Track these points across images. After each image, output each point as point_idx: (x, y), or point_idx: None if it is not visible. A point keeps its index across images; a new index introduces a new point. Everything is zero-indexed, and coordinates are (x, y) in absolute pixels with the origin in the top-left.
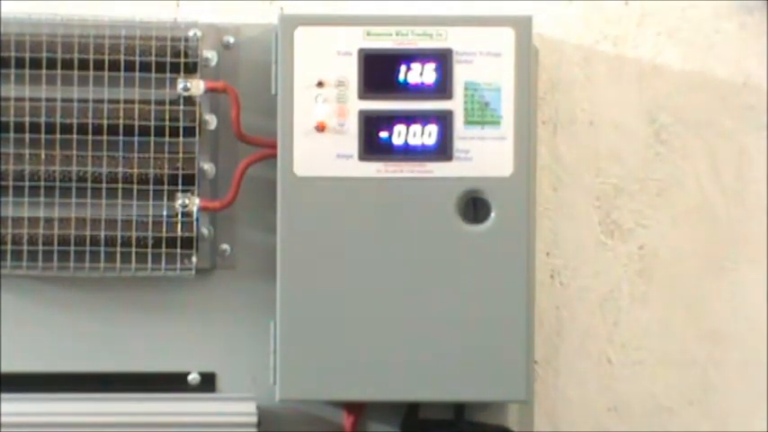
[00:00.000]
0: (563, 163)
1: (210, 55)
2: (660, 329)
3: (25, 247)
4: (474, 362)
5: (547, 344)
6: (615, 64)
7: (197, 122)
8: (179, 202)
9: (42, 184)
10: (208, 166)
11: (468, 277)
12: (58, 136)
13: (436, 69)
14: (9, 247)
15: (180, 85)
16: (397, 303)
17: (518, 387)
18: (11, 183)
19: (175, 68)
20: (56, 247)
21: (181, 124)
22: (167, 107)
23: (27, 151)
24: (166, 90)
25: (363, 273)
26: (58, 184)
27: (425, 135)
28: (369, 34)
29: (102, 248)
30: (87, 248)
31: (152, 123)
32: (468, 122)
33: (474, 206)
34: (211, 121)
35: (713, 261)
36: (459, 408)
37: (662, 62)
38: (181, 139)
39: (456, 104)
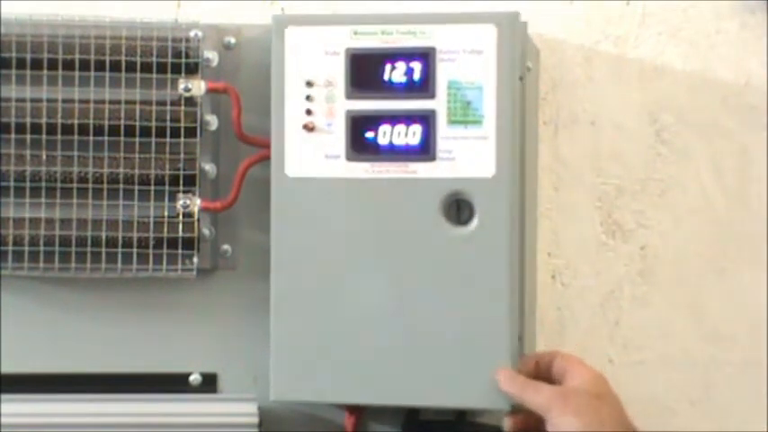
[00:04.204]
0: (564, 163)
1: (212, 55)
2: (661, 330)
3: (26, 248)
4: (459, 367)
5: (548, 344)
6: (616, 64)
7: (198, 123)
8: (180, 202)
9: (43, 184)
10: (209, 167)
11: (453, 281)
12: (59, 137)
13: (420, 68)
14: (10, 247)
15: (181, 85)
16: (385, 306)
17: (501, 395)
18: (12, 183)
19: (176, 69)
20: (57, 248)
21: (182, 125)
22: (168, 108)
23: (28, 152)
24: (167, 91)
25: (352, 276)
26: (59, 184)
27: (410, 135)
28: (355, 33)
29: (104, 249)
30: (88, 249)
31: (153, 124)
32: (451, 122)
33: (458, 208)
34: (212, 121)
35: (714, 261)
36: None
37: (663, 62)
38: (182, 139)
39: (439, 104)
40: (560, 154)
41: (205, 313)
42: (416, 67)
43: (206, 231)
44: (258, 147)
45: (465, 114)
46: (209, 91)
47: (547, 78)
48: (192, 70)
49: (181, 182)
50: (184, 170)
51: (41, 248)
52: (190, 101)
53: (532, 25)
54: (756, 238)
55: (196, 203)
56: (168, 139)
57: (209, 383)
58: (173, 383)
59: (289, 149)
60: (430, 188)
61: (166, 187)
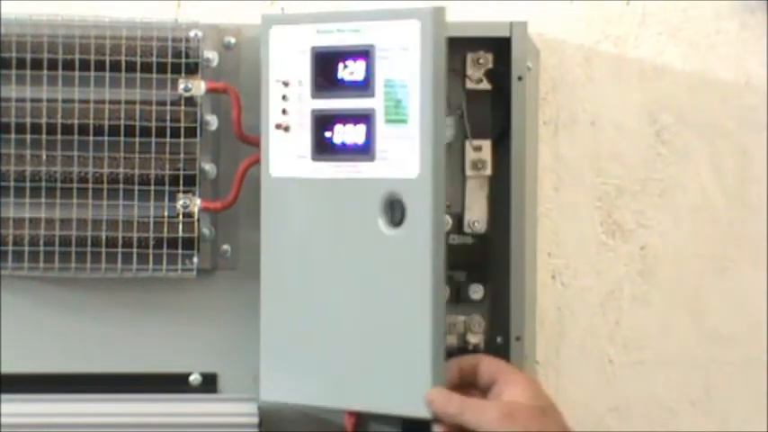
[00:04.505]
0: (564, 163)
1: (211, 55)
2: (661, 329)
3: (26, 248)
4: (385, 372)
5: (548, 344)
6: (616, 64)
7: (198, 123)
8: (180, 202)
9: (43, 184)
10: (209, 167)
11: (386, 284)
12: (59, 137)
13: (363, 67)
14: (10, 247)
15: (181, 85)
16: (339, 309)
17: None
18: (12, 183)
19: (176, 69)
20: (57, 248)
21: (182, 125)
22: (168, 108)
23: (28, 152)
24: (167, 91)
25: (318, 279)
26: (59, 184)
27: (357, 135)
28: (318, 32)
29: (104, 249)
30: (88, 249)
31: (153, 124)
32: (387, 121)
33: (392, 209)
34: (212, 121)
35: (714, 261)
36: None
37: (663, 62)
38: (182, 139)
39: (378, 102)
40: (560, 154)
41: (205, 313)
42: (361, 65)
43: (206, 231)
44: (258, 147)
45: (396, 113)
46: (209, 91)
47: (547, 78)
48: (192, 70)
49: (181, 182)
50: (184, 170)
51: (41, 248)
52: (190, 101)
53: (532, 25)
54: (756, 238)
55: (196, 203)
56: (168, 139)
57: (209, 383)
58: (173, 383)
59: (272, 149)
60: (371, 188)
61: (166, 187)
